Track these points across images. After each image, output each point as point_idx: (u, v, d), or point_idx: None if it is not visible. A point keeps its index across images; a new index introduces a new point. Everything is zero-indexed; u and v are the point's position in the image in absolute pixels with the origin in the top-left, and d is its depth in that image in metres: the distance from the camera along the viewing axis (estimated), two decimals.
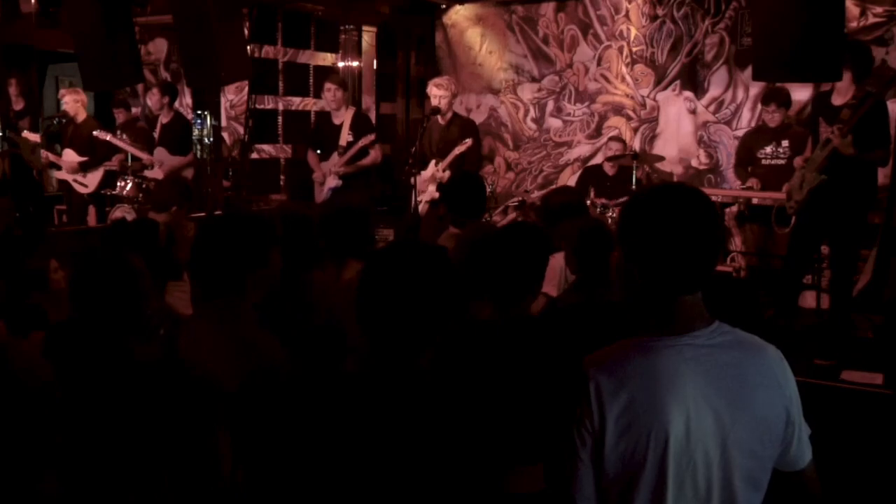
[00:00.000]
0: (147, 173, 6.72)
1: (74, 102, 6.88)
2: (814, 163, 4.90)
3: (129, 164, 6.93)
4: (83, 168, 6.83)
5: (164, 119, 6.92)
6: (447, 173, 5.94)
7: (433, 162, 6.13)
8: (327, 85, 6.46)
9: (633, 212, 1.68)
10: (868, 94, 4.73)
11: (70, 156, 6.85)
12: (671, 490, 1.59)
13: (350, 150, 6.28)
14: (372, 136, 6.31)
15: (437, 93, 6.02)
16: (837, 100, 4.90)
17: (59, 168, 6.95)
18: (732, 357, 1.62)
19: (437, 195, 6.01)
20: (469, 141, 5.88)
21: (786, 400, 1.63)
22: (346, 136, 6.33)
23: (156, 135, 6.99)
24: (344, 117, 6.40)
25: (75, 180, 6.88)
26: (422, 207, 6.24)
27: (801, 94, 6.37)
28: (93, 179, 6.85)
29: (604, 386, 1.61)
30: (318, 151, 6.49)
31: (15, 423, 2.03)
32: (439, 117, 6.10)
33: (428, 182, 6.15)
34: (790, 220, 5.13)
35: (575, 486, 1.66)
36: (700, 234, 1.60)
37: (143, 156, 6.76)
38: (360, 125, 6.41)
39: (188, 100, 8.01)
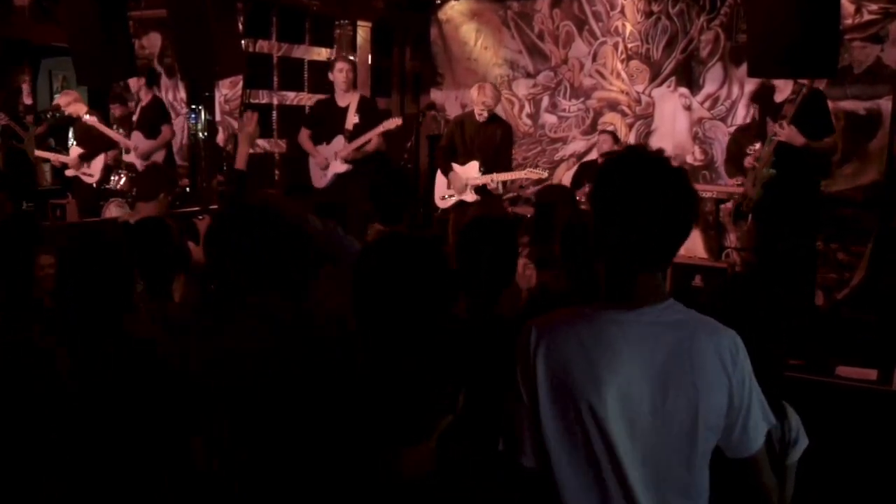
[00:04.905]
0: (124, 157, 6.74)
1: (73, 104, 6.85)
2: (763, 160, 4.98)
3: (123, 158, 6.91)
4: (83, 159, 6.82)
5: (143, 102, 6.83)
6: (488, 178, 5.86)
7: (474, 163, 5.97)
8: (339, 65, 6.21)
9: (605, 181, 1.65)
10: (803, 86, 4.80)
11: (75, 151, 6.86)
12: (597, 462, 1.61)
13: (367, 135, 6.00)
14: (399, 121, 6.02)
15: (481, 109, 5.88)
16: (779, 97, 5.00)
17: (67, 167, 6.93)
18: (677, 337, 1.60)
19: (474, 197, 5.95)
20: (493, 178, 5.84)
21: (730, 385, 1.60)
22: (352, 120, 6.08)
23: (134, 118, 6.91)
24: (350, 100, 6.16)
25: (82, 173, 6.87)
26: (443, 203, 6.12)
27: None
28: (95, 168, 6.83)
29: (542, 343, 1.64)
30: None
31: (36, 422, 2.03)
32: (476, 115, 5.96)
33: (463, 181, 5.97)
34: (747, 217, 5.21)
35: (521, 447, 1.70)
36: (667, 210, 1.57)
37: (120, 139, 6.78)
38: (367, 109, 6.20)
39: (182, 94, 7.98)
